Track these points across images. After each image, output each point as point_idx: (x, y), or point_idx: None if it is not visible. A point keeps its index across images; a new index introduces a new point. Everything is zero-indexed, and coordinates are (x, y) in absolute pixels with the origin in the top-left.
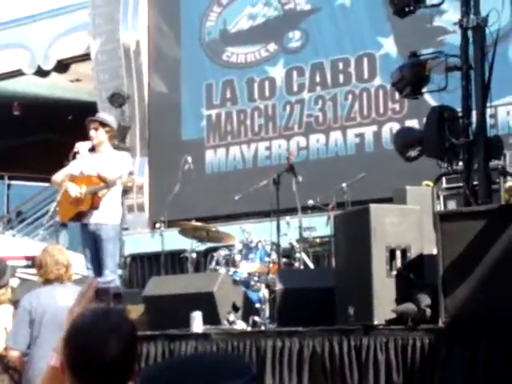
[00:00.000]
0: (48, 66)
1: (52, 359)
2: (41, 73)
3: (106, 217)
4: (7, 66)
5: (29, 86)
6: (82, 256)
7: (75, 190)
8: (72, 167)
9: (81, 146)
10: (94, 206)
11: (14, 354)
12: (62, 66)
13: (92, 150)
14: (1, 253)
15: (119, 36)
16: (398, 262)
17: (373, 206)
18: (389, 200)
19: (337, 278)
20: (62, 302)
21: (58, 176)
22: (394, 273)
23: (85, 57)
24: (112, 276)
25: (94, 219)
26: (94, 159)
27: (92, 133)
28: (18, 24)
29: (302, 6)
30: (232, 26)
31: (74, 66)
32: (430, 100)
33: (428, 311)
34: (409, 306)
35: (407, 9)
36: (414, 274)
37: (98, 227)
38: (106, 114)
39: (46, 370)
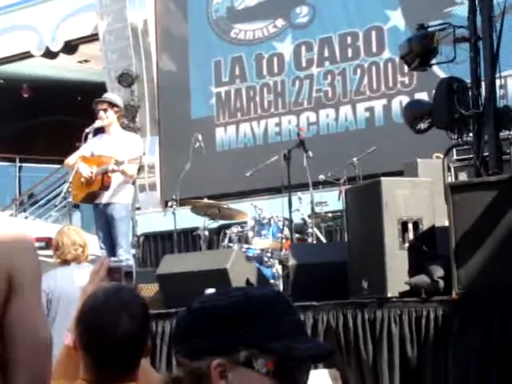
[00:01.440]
0: (56, 47)
1: (66, 339)
2: (49, 54)
3: (117, 196)
4: (15, 48)
5: (37, 67)
6: (96, 236)
7: (86, 170)
8: (84, 149)
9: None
10: (105, 186)
11: None
12: (70, 47)
13: (101, 130)
14: None
15: (127, 15)
16: (411, 235)
17: (384, 180)
18: (400, 173)
19: (349, 252)
20: (78, 282)
21: (70, 159)
22: (407, 245)
23: (93, 37)
24: (126, 255)
25: (106, 199)
26: (106, 140)
27: (101, 114)
28: (25, 6)
29: None
30: (239, 3)
31: (82, 46)
32: (439, 72)
33: (441, 283)
34: (422, 278)
35: None
36: (426, 246)
37: (110, 207)
38: (113, 94)
39: (62, 350)
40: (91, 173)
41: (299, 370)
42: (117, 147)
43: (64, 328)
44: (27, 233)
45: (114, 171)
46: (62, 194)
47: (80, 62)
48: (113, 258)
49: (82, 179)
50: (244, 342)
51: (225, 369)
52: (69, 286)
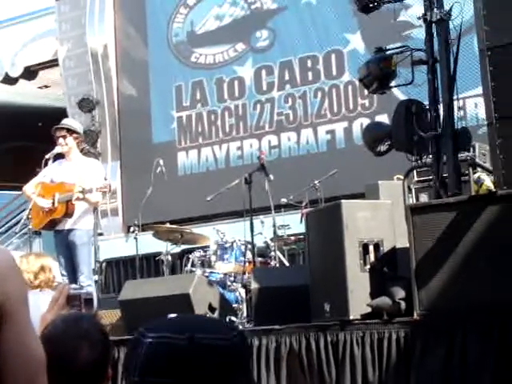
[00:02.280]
0: (16, 73)
1: None
2: (9, 80)
3: (79, 223)
4: None
5: None
6: (57, 263)
7: (45, 203)
8: (42, 175)
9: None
10: (68, 214)
11: None
12: (30, 73)
13: (60, 156)
14: None
15: (86, 41)
16: (372, 257)
17: (344, 202)
18: (361, 195)
19: (311, 275)
20: (45, 308)
21: (28, 186)
22: (368, 267)
23: (53, 63)
24: (87, 281)
25: (68, 225)
26: (66, 167)
27: (61, 141)
28: None
29: (269, 5)
30: (199, 27)
31: (42, 72)
32: (399, 94)
33: (403, 304)
34: (383, 300)
35: (371, 5)
36: (387, 268)
37: (72, 233)
38: (72, 120)
39: None
40: (52, 203)
41: None
42: (78, 174)
43: None
44: (13, 256)
45: (78, 199)
46: (22, 221)
47: (40, 87)
48: (72, 286)
49: (43, 209)
50: None
51: None
52: (35, 312)
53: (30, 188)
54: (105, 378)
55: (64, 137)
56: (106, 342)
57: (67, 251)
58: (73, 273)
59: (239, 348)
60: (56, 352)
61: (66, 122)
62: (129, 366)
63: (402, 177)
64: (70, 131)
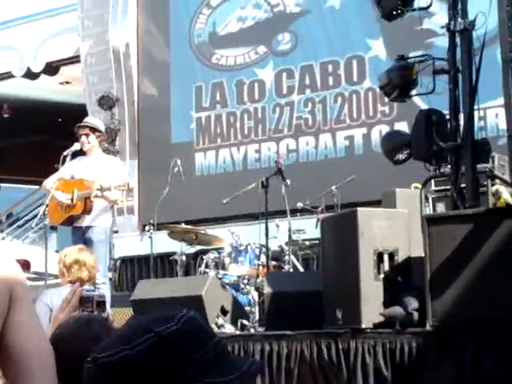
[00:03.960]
0: (37, 68)
1: None
2: (30, 75)
3: (98, 220)
4: None
5: (18, 88)
6: None
7: (63, 197)
8: (63, 171)
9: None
10: (87, 210)
11: None
12: (52, 69)
13: (79, 153)
14: None
15: (108, 38)
16: (386, 266)
17: (360, 210)
18: (378, 202)
19: (325, 282)
20: None
21: (48, 181)
22: (382, 276)
23: (74, 59)
24: (102, 279)
25: (86, 222)
26: (87, 163)
27: (83, 139)
28: (7, 26)
29: (292, 8)
30: (221, 29)
31: (64, 68)
32: (419, 102)
33: (416, 314)
34: (396, 310)
35: (395, 12)
36: (401, 277)
37: (90, 230)
38: (95, 118)
39: None
40: (71, 200)
41: None
42: (98, 171)
43: None
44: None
45: (97, 196)
46: (39, 216)
47: (61, 83)
48: (85, 287)
49: (61, 203)
50: None
51: None
52: None
53: (50, 183)
54: None
55: (87, 135)
56: None
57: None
58: None
59: (193, 319)
60: (66, 352)
61: (89, 120)
62: None
63: (419, 185)
64: (93, 129)
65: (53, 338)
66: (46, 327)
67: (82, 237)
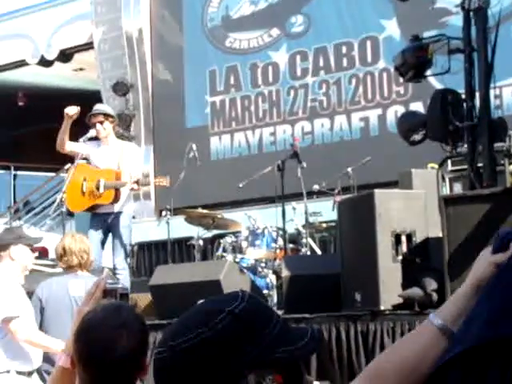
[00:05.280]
0: (51, 55)
1: (60, 359)
2: (44, 62)
3: (124, 206)
4: (11, 56)
5: (32, 76)
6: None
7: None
8: (80, 148)
9: (69, 111)
10: (117, 200)
11: None
12: (65, 56)
13: (94, 138)
14: None
15: (122, 24)
16: (404, 247)
17: (377, 192)
18: (395, 183)
19: (342, 264)
20: (73, 292)
21: (70, 145)
22: (400, 258)
23: (88, 46)
24: (123, 264)
25: (111, 209)
26: (106, 151)
27: (99, 127)
28: (20, 14)
29: None
30: (234, 12)
31: (77, 55)
32: (435, 82)
33: (434, 295)
34: (415, 291)
35: None
36: (419, 259)
37: (115, 216)
38: (104, 105)
39: (55, 370)
40: (97, 188)
41: (303, 368)
42: (119, 158)
43: (59, 334)
44: None
45: (133, 190)
46: (56, 203)
47: (75, 70)
48: (108, 280)
49: (85, 189)
50: (246, 365)
51: None
52: (63, 295)
53: (71, 146)
54: (142, 368)
55: (101, 122)
56: (144, 332)
57: (105, 234)
58: (100, 256)
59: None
60: (95, 340)
61: (100, 107)
62: None
63: (435, 165)
64: (106, 116)
65: (80, 326)
66: (36, 319)
67: (104, 223)
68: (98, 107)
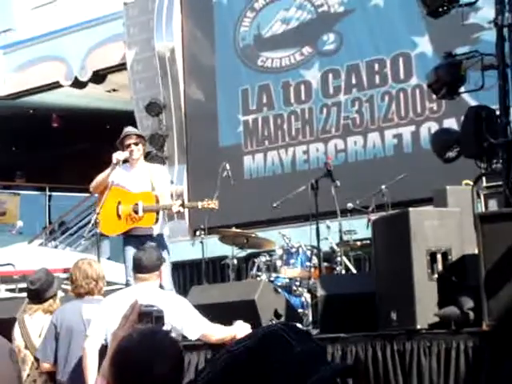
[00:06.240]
0: (85, 77)
1: (96, 383)
2: (78, 84)
3: (159, 227)
4: (45, 78)
5: (66, 97)
6: (124, 265)
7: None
8: (114, 177)
9: (118, 156)
10: (155, 222)
11: (45, 366)
12: (99, 77)
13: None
14: (44, 264)
15: (154, 45)
16: (440, 265)
17: (412, 210)
18: (429, 200)
19: (377, 283)
20: (86, 315)
21: (101, 178)
22: (436, 276)
23: (121, 66)
24: (170, 285)
25: (149, 231)
26: (135, 174)
27: (134, 148)
28: (53, 37)
29: (336, 8)
30: (266, 31)
31: (111, 76)
32: (468, 98)
33: (471, 314)
34: (452, 310)
35: (441, 9)
36: (455, 277)
37: (153, 238)
38: (132, 128)
39: None
40: (135, 212)
41: None
42: (148, 180)
43: (75, 358)
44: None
45: (179, 212)
46: (90, 225)
47: (108, 91)
48: (144, 303)
49: (120, 213)
50: None
51: None
52: (76, 319)
53: (101, 179)
54: None
55: (136, 144)
56: (180, 357)
57: None
58: None
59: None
60: (130, 365)
61: (132, 129)
62: None
63: (470, 182)
64: (140, 137)
65: (116, 350)
66: (52, 345)
67: (142, 245)
68: (129, 129)
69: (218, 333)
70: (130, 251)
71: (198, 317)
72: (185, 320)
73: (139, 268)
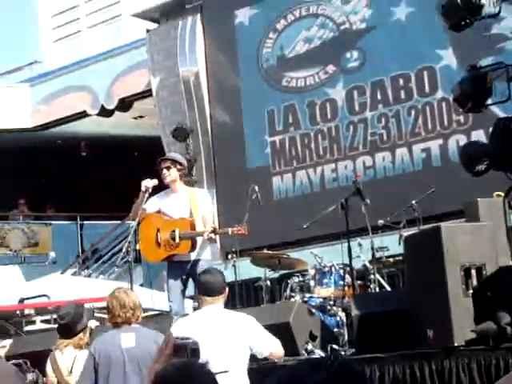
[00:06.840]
0: (111, 105)
1: None
2: (104, 112)
3: (201, 253)
4: (71, 108)
5: (93, 126)
6: (158, 291)
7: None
8: (149, 205)
9: (147, 183)
10: (193, 249)
11: None
12: (125, 104)
13: (159, 187)
14: (78, 294)
15: (178, 70)
16: (474, 281)
17: (444, 226)
18: (460, 213)
19: (411, 301)
20: (125, 344)
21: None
22: (471, 292)
23: (146, 93)
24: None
25: (189, 257)
26: (176, 199)
27: (164, 172)
28: (79, 67)
29: (358, 25)
30: (289, 51)
31: (136, 103)
32: (496, 109)
33: (509, 329)
34: (489, 325)
35: (463, 22)
36: (491, 292)
37: (194, 264)
38: (175, 154)
39: None
40: (173, 239)
41: None
42: (188, 206)
43: None
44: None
45: (211, 239)
46: (122, 253)
47: (135, 118)
48: (179, 335)
49: (159, 240)
50: None
51: None
52: (115, 349)
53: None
54: None
55: (168, 168)
56: None
57: (184, 282)
58: (181, 303)
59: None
60: None
61: (170, 154)
62: None
63: (501, 193)
64: (174, 162)
65: (153, 382)
66: (91, 378)
67: (183, 271)
68: (168, 154)
69: (282, 349)
70: (171, 280)
71: (267, 335)
72: (256, 339)
73: (208, 291)
